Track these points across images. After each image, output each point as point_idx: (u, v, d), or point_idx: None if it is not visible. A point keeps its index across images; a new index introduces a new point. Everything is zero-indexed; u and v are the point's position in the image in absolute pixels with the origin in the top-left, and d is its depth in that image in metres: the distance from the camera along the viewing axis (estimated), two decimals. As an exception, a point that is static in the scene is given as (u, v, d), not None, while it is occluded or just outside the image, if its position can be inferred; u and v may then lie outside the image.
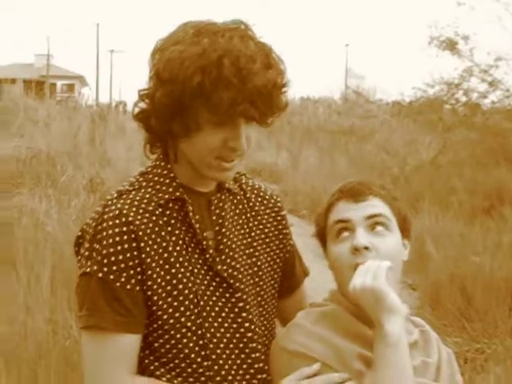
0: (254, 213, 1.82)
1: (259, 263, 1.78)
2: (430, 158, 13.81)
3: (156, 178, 1.70)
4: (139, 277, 1.61)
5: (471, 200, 10.37)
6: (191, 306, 1.64)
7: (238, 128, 1.61)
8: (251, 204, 1.82)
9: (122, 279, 1.59)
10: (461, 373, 1.86)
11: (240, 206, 1.80)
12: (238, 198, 1.80)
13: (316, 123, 22.97)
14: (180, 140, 1.64)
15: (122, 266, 1.59)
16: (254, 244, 1.79)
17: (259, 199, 1.85)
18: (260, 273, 1.77)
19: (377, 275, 1.64)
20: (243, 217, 1.79)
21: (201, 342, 1.64)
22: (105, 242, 1.60)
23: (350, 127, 20.92)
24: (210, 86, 1.54)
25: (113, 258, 1.59)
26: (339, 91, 28.35)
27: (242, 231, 1.77)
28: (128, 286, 1.59)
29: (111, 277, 1.59)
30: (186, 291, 1.64)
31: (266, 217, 1.84)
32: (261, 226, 1.82)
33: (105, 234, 1.61)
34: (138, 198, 1.66)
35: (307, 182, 13.42)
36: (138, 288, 1.60)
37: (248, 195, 1.83)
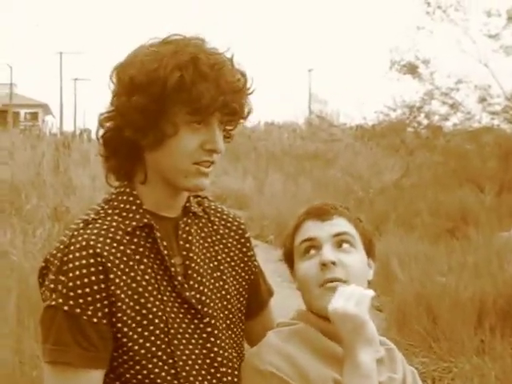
0: (218, 236, 1.81)
1: (226, 286, 1.77)
2: (394, 181, 13.95)
3: (122, 205, 1.67)
4: (106, 310, 1.57)
5: (435, 221, 10.49)
6: (162, 336, 1.62)
7: (213, 129, 1.64)
8: (215, 227, 1.81)
9: (89, 312, 1.56)
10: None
11: (205, 230, 1.79)
12: (203, 221, 1.79)
13: (281, 148, 23.04)
14: (153, 152, 1.63)
15: (89, 299, 1.56)
16: (221, 267, 1.78)
17: (223, 222, 1.84)
18: (228, 296, 1.77)
19: (360, 302, 1.66)
20: (208, 240, 1.78)
21: (172, 371, 1.62)
22: (71, 274, 1.56)
23: (315, 151, 21.02)
24: (189, 82, 1.57)
25: (79, 291, 1.56)
26: (303, 116, 28.46)
27: (208, 255, 1.76)
28: (95, 320, 1.56)
29: (77, 310, 1.56)
30: (156, 320, 1.62)
31: (230, 240, 1.83)
32: (226, 250, 1.81)
33: (71, 265, 1.57)
34: (104, 227, 1.63)
35: (273, 207, 13.44)
36: (105, 321, 1.57)
37: (212, 218, 1.82)
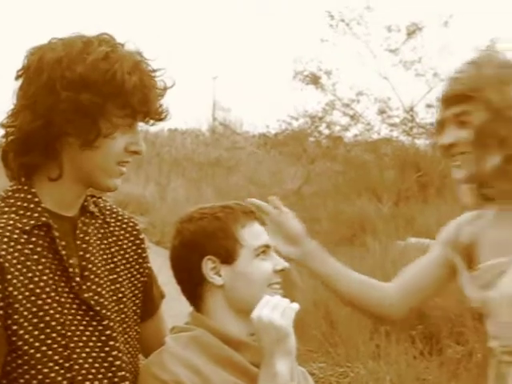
0: (114, 238, 1.79)
1: (122, 289, 1.75)
2: (295, 189, 14.12)
3: (19, 203, 1.62)
4: (1, 312, 1.52)
5: (335, 229, 10.67)
6: (58, 339, 1.58)
7: (137, 131, 1.67)
8: (111, 229, 1.79)
9: None
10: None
11: (102, 231, 1.76)
12: (99, 222, 1.77)
13: (184, 154, 22.97)
14: (81, 150, 1.61)
15: None
16: (117, 270, 1.76)
17: (118, 223, 1.81)
18: (124, 299, 1.75)
19: (286, 314, 1.70)
20: (105, 241, 1.76)
21: (68, 375, 1.59)
22: None
23: (217, 158, 21.05)
24: (140, 86, 1.60)
25: None
26: (207, 123, 28.40)
27: (105, 256, 1.74)
28: None
29: None
30: (54, 323, 1.57)
31: (125, 241, 1.81)
32: (122, 252, 1.79)
33: None
34: (1, 225, 1.58)
35: (175, 214, 13.32)
36: None
37: (107, 219, 1.79)
